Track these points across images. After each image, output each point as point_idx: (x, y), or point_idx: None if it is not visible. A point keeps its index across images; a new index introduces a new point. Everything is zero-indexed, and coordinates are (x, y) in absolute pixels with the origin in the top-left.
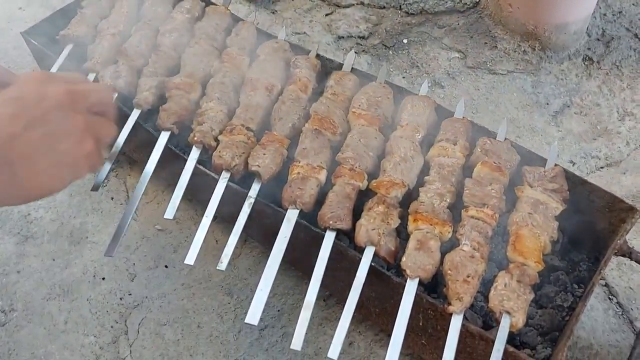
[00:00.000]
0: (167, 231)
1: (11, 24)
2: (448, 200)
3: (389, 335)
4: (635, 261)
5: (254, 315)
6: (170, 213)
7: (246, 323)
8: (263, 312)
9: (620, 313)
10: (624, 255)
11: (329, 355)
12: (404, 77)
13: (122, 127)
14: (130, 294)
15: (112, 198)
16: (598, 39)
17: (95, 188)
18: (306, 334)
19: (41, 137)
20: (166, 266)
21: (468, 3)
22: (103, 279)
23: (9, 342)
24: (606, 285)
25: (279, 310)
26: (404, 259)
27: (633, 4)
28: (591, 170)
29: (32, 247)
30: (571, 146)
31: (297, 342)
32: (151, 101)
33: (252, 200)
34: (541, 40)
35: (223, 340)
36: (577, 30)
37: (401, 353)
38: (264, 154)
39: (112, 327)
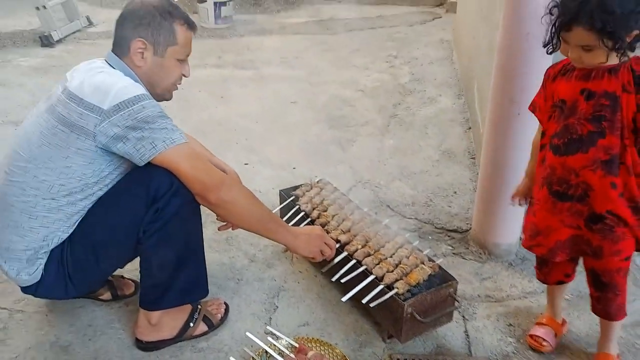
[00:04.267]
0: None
1: (271, 186)
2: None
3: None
4: None
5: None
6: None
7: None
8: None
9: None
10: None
11: None
12: None
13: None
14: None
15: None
16: (520, 259)
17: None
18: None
19: (308, 238)
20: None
21: (463, 228)
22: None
23: None
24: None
25: None
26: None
27: None
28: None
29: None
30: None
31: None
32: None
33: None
34: (488, 249)
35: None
36: (506, 249)
37: None
38: None
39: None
